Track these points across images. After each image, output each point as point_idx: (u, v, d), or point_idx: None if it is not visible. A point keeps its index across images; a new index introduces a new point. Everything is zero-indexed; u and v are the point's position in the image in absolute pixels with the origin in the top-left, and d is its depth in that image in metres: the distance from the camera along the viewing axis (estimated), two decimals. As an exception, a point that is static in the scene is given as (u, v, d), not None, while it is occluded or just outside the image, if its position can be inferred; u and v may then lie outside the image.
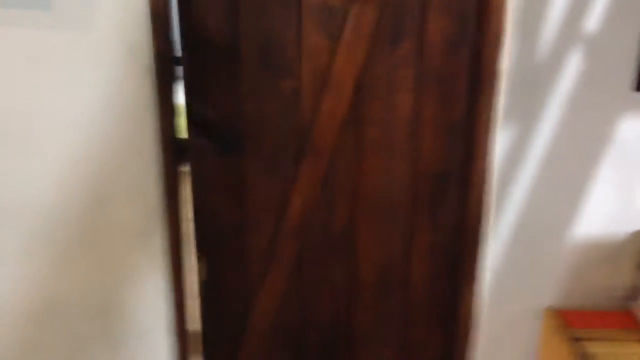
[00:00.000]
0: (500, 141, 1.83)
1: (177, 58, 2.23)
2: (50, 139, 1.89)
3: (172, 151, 1.95)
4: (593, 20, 1.71)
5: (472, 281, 1.95)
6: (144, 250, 2.04)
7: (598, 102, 1.78)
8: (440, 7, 1.88)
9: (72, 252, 2.02)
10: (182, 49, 2.00)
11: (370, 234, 2.12)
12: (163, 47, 1.84)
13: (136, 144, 1.91)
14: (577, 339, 1.82)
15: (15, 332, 2.09)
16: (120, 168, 1.94)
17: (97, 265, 2.05)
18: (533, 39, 1.73)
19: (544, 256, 1.92)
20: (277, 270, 2.19)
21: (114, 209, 1.97)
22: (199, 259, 2.20)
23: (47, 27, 1.78)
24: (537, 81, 1.76)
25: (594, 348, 1.79)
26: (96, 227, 1.99)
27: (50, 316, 2.09)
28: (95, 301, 2.10)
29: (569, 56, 1.74)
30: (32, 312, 2.08)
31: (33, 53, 1.80)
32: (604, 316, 1.91)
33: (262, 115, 2.02)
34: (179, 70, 2.08)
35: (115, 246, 2.02)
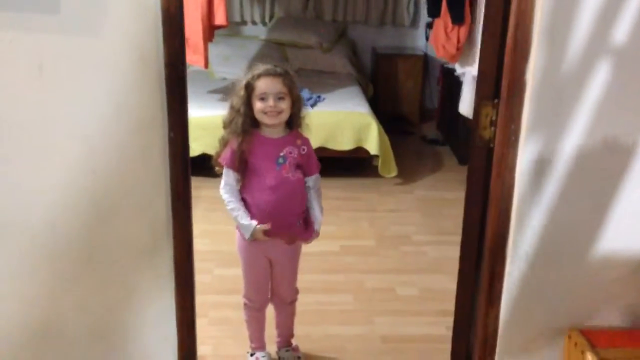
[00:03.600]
0: (524, 155, 1.78)
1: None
2: (54, 151, 1.78)
3: (183, 164, 1.86)
4: (621, 30, 1.68)
5: (494, 300, 1.89)
6: (151, 268, 1.93)
7: (625, 113, 1.74)
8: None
9: (74, 271, 1.90)
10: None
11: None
12: (175, 54, 1.76)
13: (145, 156, 1.81)
14: (603, 359, 1.76)
15: (11, 356, 1.97)
16: (127, 181, 1.83)
17: (100, 285, 1.93)
18: (561, 49, 1.68)
19: (567, 274, 1.87)
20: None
21: (120, 224, 1.87)
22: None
23: (54, 31, 1.68)
24: (564, 92, 1.72)
25: (621, 368, 1.74)
26: (101, 243, 1.88)
27: (50, 339, 1.96)
28: (98, 323, 1.98)
29: (596, 66, 1.70)
30: (31, 334, 1.95)
31: (40, 58, 1.70)
32: (630, 335, 1.86)
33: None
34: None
35: (120, 264, 1.91)
